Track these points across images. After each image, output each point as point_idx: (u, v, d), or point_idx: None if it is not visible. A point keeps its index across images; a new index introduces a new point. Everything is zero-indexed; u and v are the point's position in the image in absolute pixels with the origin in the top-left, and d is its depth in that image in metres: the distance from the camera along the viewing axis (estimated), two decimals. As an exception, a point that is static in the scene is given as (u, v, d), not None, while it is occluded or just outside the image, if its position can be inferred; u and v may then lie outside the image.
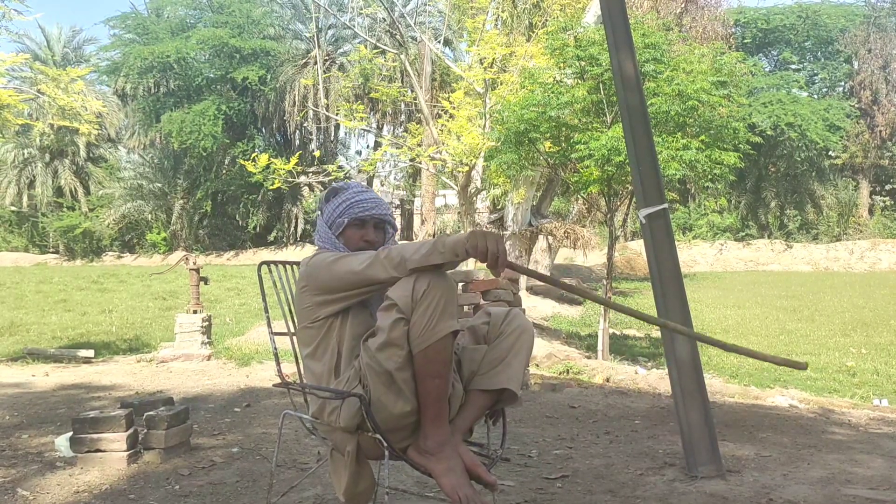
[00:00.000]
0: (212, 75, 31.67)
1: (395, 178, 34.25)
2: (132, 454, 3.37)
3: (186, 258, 7.57)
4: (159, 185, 33.13)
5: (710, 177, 7.73)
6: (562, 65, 8.17)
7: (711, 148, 7.36)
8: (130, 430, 3.40)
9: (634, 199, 5.68)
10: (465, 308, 5.28)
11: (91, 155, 36.19)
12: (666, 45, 7.83)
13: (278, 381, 2.52)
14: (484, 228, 14.82)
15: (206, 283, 7.45)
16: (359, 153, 36.45)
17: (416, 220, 31.52)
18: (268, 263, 2.68)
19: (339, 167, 13.92)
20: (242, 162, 12.66)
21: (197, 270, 7.31)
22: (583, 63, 7.63)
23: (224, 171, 31.91)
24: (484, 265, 2.14)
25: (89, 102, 10.59)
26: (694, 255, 28.93)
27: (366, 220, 2.42)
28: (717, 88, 7.44)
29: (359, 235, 2.42)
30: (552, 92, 7.71)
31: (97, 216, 33.54)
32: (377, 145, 22.12)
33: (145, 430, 3.46)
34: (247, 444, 3.79)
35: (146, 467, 3.32)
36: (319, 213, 2.51)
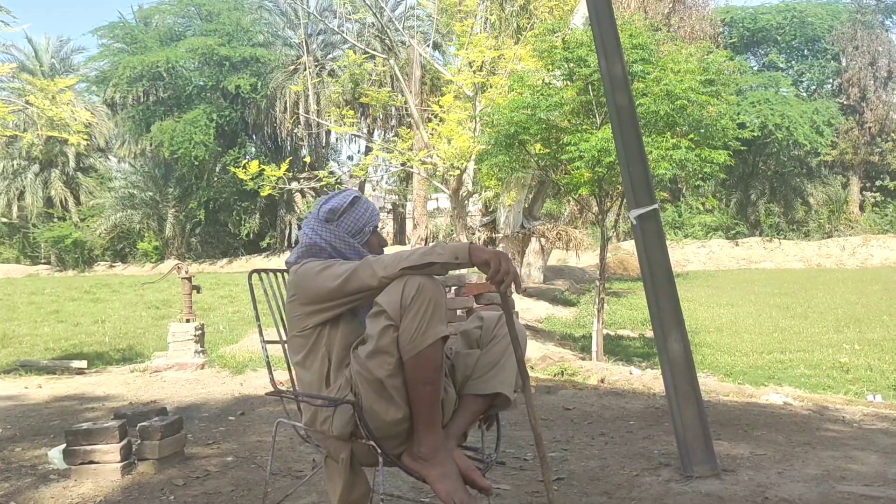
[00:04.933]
0: (202, 83, 31.61)
1: (386, 183, 34.25)
2: (126, 465, 3.35)
3: (178, 267, 7.53)
4: (150, 193, 33.04)
5: (700, 175, 7.74)
6: (550, 67, 8.17)
7: (701, 147, 7.38)
8: (124, 441, 3.39)
9: (625, 200, 5.68)
10: (459, 312, 5.29)
11: (81, 165, 36.07)
12: (654, 45, 7.84)
13: (272, 389, 2.52)
14: (477, 231, 14.84)
15: (198, 292, 7.41)
16: (350, 158, 36.44)
17: (409, 224, 31.51)
18: (258, 272, 2.67)
19: (331, 173, 13.89)
20: (233, 169, 12.63)
21: (189, 279, 7.27)
22: (571, 65, 7.63)
23: (216, 179, 31.82)
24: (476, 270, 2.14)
25: (78, 113, 10.56)
26: (686, 254, 28.96)
27: (377, 227, 2.51)
28: (706, 87, 7.46)
29: (377, 242, 2.48)
30: (541, 94, 7.71)
31: (88, 226, 33.41)
32: (368, 150, 22.11)
33: (139, 441, 3.44)
34: (241, 453, 3.78)
35: (140, 478, 3.30)
36: (330, 222, 2.41)
